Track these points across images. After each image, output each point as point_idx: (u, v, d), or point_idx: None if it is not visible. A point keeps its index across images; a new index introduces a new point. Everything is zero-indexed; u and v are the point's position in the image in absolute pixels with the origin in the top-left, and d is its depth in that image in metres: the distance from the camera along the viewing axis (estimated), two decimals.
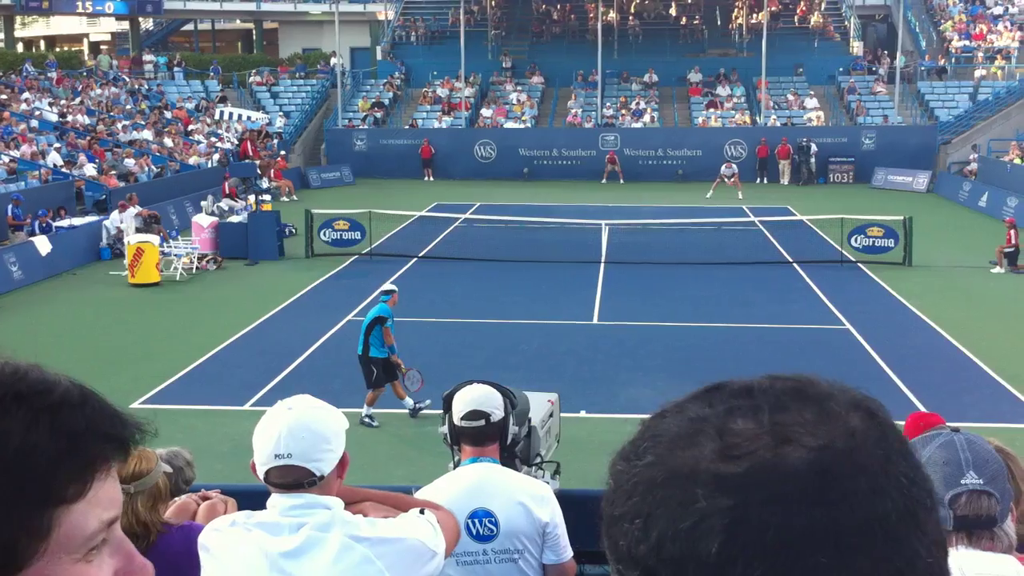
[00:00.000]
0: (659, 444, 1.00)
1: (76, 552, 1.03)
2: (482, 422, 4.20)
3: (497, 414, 4.23)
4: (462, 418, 4.21)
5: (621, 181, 40.26)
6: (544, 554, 4.15)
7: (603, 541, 1.02)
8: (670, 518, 0.94)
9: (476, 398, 4.24)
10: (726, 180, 36.59)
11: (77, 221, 25.98)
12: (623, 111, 44.15)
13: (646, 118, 43.68)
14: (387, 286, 13.95)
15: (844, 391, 1.04)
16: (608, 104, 44.66)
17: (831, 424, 0.97)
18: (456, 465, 4.38)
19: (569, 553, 4.20)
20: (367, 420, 13.04)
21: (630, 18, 51.01)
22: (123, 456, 1.10)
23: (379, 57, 50.22)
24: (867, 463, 0.96)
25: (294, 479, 2.90)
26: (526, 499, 4.11)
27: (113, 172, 31.12)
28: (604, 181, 40.53)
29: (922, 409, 12.14)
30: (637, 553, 0.97)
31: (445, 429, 4.40)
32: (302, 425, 2.90)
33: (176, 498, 4.74)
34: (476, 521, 4.07)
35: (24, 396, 1.04)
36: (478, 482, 4.13)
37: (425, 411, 13.37)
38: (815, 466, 0.93)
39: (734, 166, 37.40)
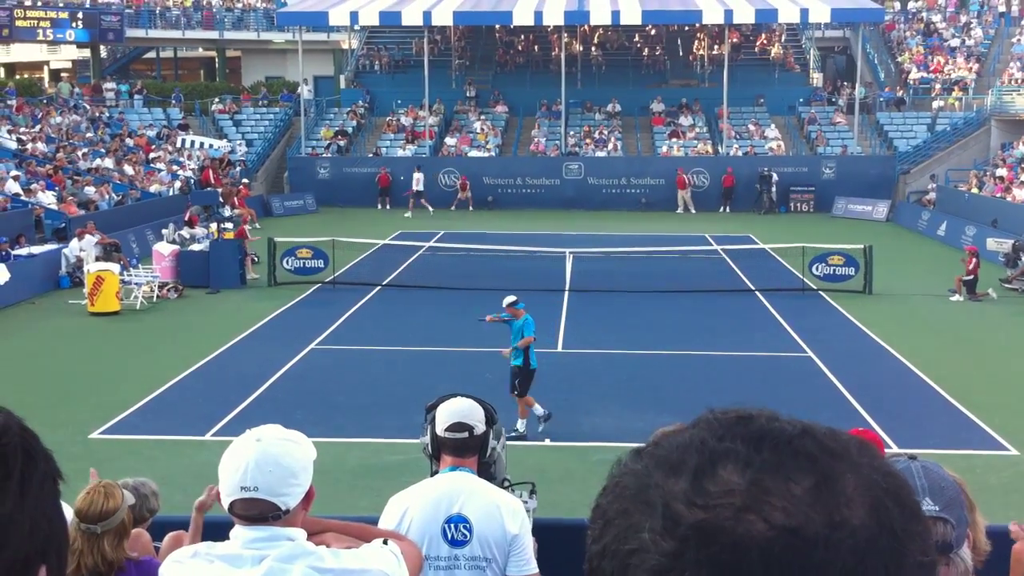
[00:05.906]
0: (652, 457, 0.96)
1: None
2: (465, 434, 4.30)
3: (480, 427, 4.36)
4: (447, 429, 4.31)
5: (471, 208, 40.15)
6: (508, 567, 4.18)
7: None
8: (619, 534, 0.93)
9: (460, 410, 4.35)
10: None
11: (36, 249, 25.67)
12: (587, 140, 44.38)
13: (609, 147, 43.95)
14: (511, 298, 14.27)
15: (874, 466, 0.92)
16: (572, 133, 44.88)
17: (820, 504, 0.88)
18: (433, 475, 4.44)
19: (534, 568, 4.23)
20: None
21: (593, 48, 51.34)
22: None
23: (343, 85, 50.22)
24: (829, 562, 0.86)
25: (259, 512, 2.86)
26: (501, 508, 4.19)
27: (73, 200, 30.84)
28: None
29: (883, 436, 12.24)
30: (590, 550, 0.97)
31: (427, 439, 4.47)
32: (270, 459, 2.86)
33: (133, 528, 4.68)
34: (451, 526, 4.12)
35: None
36: (455, 488, 4.20)
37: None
38: (766, 546, 0.86)
39: (420, 173, 38.54)
